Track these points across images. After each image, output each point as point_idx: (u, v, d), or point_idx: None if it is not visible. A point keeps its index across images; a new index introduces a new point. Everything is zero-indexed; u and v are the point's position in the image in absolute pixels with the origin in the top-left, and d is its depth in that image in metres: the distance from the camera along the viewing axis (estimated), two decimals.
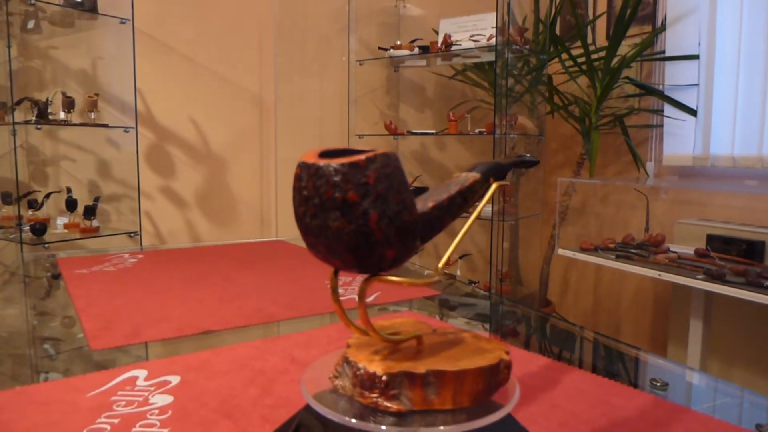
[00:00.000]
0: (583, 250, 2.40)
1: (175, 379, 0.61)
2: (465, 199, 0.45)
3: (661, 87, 2.52)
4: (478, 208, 0.47)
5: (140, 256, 1.29)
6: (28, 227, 2.30)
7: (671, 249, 2.27)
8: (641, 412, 0.53)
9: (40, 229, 2.28)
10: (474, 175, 0.46)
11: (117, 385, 0.59)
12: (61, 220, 2.45)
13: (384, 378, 0.39)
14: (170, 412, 0.53)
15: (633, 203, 2.73)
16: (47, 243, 2.29)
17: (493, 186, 0.47)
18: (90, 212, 2.44)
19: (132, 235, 2.55)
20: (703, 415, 0.52)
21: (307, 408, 0.43)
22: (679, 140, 2.48)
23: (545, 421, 0.52)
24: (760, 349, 2.17)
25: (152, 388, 0.59)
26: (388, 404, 0.40)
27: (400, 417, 0.39)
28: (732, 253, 2.13)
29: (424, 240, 0.43)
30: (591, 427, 0.50)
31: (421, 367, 0.40)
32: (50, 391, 0.59)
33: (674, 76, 2.48)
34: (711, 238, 2.24)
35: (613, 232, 2.80)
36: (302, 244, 1.65)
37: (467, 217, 0.46)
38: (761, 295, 1.71)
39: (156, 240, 2.76)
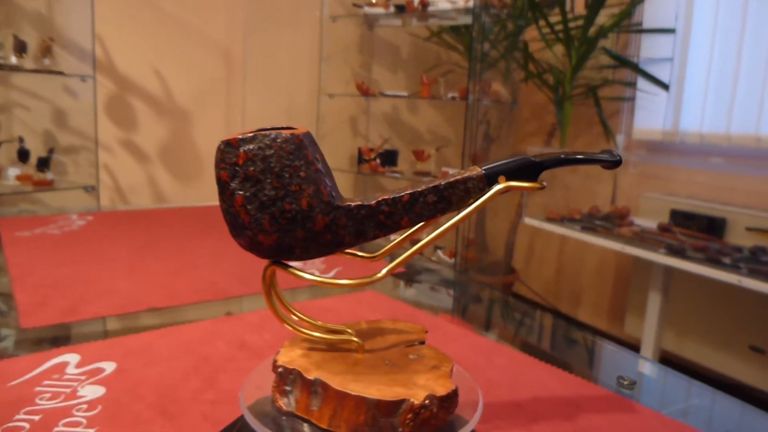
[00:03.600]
0: (549, 220, 2.41)
1: (110, 367, 0.56)
2: (443, 198, 0.38)
3: (636, 60, 2.49)
4: (462, 213, 0.39)
5: (89, 218, 1.22)
6: None
7: (635, 222, 2.29)
8: (610, 416, 0.50)
9: None
10: (474, 172, 0.38)
11: (43, 373, 0.54)
12: (13, 172, 2.34)
13: (279, 369, 0.39)
14: (100, 407, 0.49)
15: (601, 175, 2.74)
16: None
17: (495, 188, 0.38)
18: (44, 164, 2.32)
19: (89, 189, 2.44)
20: (672, 420, 0.51)
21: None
22: (650, 114, 2.48)
23: (509, 421, 0.49)
24: (714, 322, 2.22)
25: (83, 377, 0.54)
26: (278, 397, 0.38)
27: None
28: (694, 229, 2.16)
29: (364, 236, 0.38)
30: (557, 429, 0.48)
31: (314, 373, 0.37)
32: None
33: (650, 50, 2.45)
34: (674, 213, 2.26)
35: (580, 203, 2.81)
36: None
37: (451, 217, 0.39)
38: (719, 272, 1.74)
39: (115, 195, 2.66)
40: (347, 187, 3.19)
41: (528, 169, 0.38)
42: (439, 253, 3.00)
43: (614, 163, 0.39)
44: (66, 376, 0.54)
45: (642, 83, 2.45)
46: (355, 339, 0.41)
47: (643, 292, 2.26)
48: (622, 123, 2.62)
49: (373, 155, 2.98)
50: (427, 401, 0.35)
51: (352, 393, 0.35)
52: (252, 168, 0.36)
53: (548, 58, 2.63)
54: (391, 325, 0.45)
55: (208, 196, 2.85)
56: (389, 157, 2.98)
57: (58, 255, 0.95)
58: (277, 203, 0.36)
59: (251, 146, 0.36)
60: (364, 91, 2.94)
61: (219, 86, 2.91)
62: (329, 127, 3.09)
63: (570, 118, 2.60)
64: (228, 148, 0.37)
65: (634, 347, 2.23)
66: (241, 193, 0.37)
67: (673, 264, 1.88)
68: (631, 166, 2.61)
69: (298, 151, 0.36)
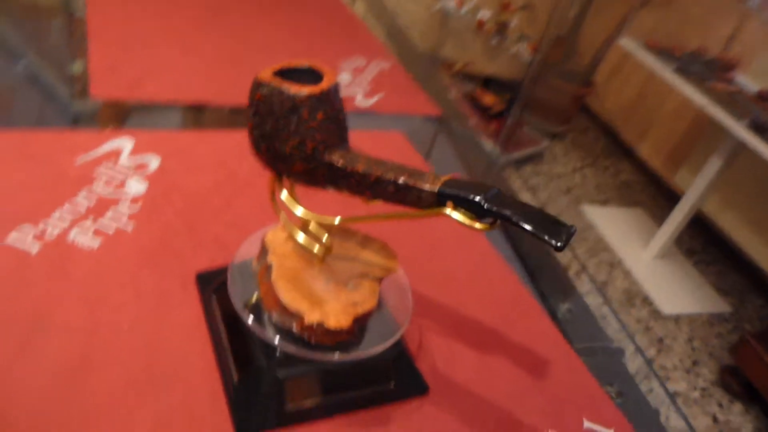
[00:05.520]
0: (647, 48, 2.22)
1: (154, 162, 0.66)
2: (399, 193, 0.42)
3: None
4: (397, 214, 0.44)
5: None
6: None
7: (737, 79, 2.10)
8: (530, 337, 0.59)
9: None
10: (432, 186, 0.40)
11: (103, 157, 0.64)
12: None
13: (263, 243, 0.50)
14: (140, 204, 0.60)
15: (730, 11, 2.42)
16: None
17: (439, 209, 0.40)
18: None
19: None
20: (575, 357, 0.59)
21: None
22: None
23: (440, 321, 0.59)
24: (762, 205, 2.19)
25: (132, 169, 0.65)
26: (255, 259, 0.51)
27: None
28: None
29: (339, 188, 0.45)
30: (478, 337, 0.57)
31: (274, 258, 0.48)
32: (39, 144, 0.61)
33: None
34: None
35: (693, 35, 2.54)
36: None
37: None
38: None
39: None
40: (419, 21, 2.85)
41: (475, 208, 0.39)
42: (522, 45, 2.86)
43: (554, 248, 0.36)
44: (119, 165, 0.65)
45: None
46: (317, 253, 0.48)
47: (707, 152, 2.19)
48: None
49: None
50: (314, 325, 0.44)
51: (276, 287, 0.46)
52: (261, 107, 0.43)
53: None
54: (375, 249, 0.51)
55: None
56: None
57: (132, 10, 0.98)
58: (271, 140, 0.44)
59: (265, 91, 0.43)
60: None
61: None
62: None
63: None
64: (254, 85, 0.43)
65: (675, 197, 2.24)
66: (251, 120, 0.45)
67: (748, 141, 1.78)
68: (766, 14, 2.29)
69: (295, 109, 0.42)
